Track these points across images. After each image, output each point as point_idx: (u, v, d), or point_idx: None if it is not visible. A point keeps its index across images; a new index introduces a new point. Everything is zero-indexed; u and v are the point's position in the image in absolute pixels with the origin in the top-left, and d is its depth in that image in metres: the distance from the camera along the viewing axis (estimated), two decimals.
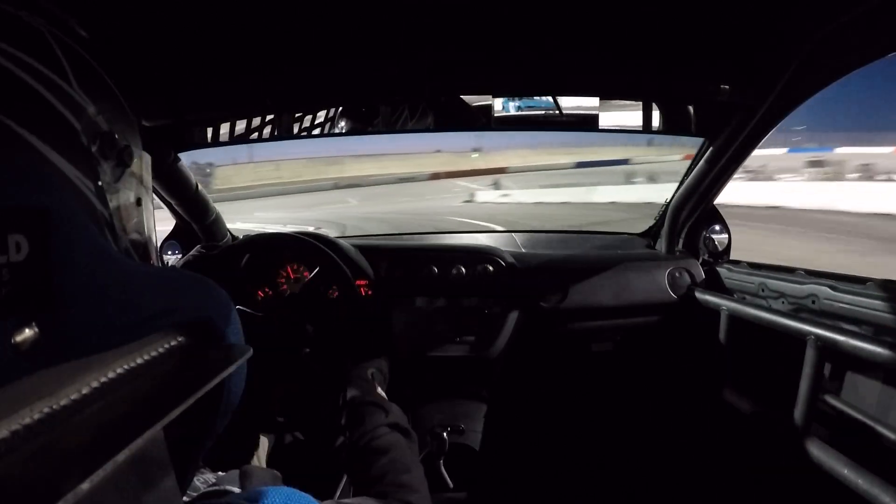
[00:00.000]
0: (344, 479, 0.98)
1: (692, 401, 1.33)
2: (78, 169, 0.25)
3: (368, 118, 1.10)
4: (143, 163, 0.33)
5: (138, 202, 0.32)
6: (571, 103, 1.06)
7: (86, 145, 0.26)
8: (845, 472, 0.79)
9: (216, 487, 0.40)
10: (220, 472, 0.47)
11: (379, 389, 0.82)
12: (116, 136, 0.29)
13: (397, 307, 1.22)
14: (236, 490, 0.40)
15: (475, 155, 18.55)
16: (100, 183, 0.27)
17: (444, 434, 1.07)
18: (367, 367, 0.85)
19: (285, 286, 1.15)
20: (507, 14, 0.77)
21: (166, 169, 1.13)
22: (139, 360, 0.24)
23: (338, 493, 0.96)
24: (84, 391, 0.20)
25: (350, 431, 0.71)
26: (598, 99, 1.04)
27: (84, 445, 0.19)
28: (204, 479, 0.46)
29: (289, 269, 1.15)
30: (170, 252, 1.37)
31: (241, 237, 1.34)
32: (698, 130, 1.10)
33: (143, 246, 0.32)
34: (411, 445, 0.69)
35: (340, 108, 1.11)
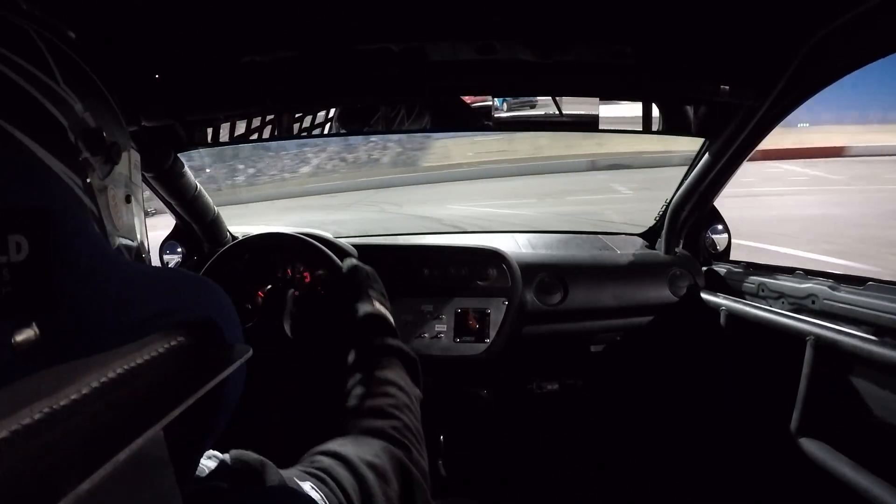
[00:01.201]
0: None
1: (692, 401, 1.33)
2: (65, 165, 0.25)
3: (367, 118, 1.10)
4: (131, 160, 0.33)
5: (127, 199, 0.32)
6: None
7: (73, 142, 0.26)
8: (845, 472, 0.79)
9: (211, 483, 0.40)
10: (215, 454, 0.47)
11: (377, 304, 0.76)
12: (104, 134, 0.29)
13: (397, 307, 1.22)
14: (223, 485, 0.40)
15: (804, 124, 12.29)
16: (88, 180, 0.27)
17: (444, 435, 1.07)
18: (366, 287, 0.80)
19: (285, 286, 1.15)
20: (507, 14, 0.77)
21: (166, 169, 1.13)
22: (139, 361, 0.24)
23: None
24: (84, 391, 0.20)
25: (352, 351, 0.67)
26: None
27: (84, 445, 0.19)
28: (200, 468, 0.45)
29: (288, 270, 1.15)
30: (170, 252, 1.37)
31: (241, 237, 1.34)
32: (698, 130, 1.10)
33: (134, 244, 0.32)
34: (410, 370, 0.66)
35: (340, 109, 1.11)
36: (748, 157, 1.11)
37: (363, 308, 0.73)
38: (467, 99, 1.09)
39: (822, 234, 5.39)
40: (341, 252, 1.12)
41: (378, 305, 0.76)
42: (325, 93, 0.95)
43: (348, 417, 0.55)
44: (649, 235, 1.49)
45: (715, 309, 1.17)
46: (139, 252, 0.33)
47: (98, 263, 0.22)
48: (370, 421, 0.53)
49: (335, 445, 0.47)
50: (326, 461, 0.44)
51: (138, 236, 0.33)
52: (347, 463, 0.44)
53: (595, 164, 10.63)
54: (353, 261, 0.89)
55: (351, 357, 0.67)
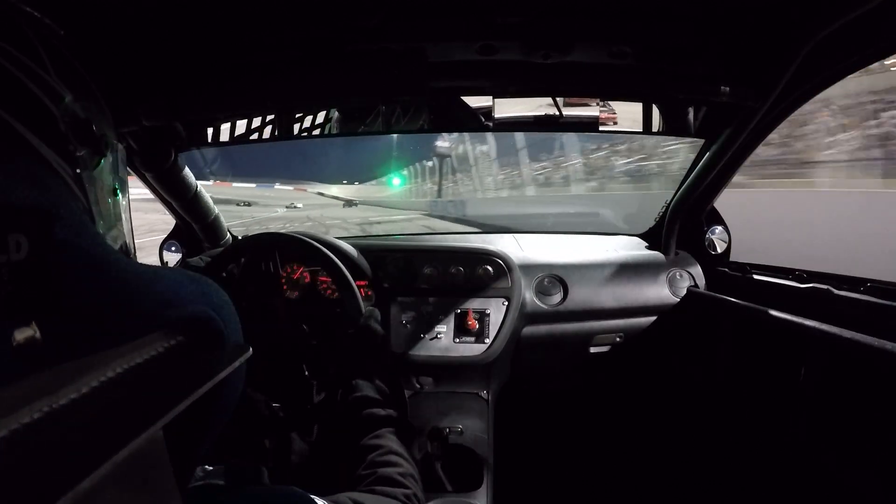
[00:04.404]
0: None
1: (692, 401, 1.33)
2: (57, 154, 0.25)
3: (366, 118, 1.10)
4: (118, 155, 0.33)
5: (114, 192, 0.32)
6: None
7: (63, 132, 0.27)
8: (845, 471, 0.79)
9: (204, 482, 0.39)
10: (206, 467, 0.47)
11: (377, 380, 0.81)
12: (94, 126, 0.29)
13: (397, 307, 1.22)
14: (221, 483, 0.40)
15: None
16: (77, 170, 0.27)
17: (444, 435, 1.07)
18: (373, 357, 0.85)
19: (285, 286, 1.15)
20: (507, 14, 0.77)
21: (166, 169, 1.13)
22: (138, 360, 0.24)
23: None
24: (83, 390, 0.20)
25: (349, 432, 0.70)
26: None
27: (83, 444, 0.19)
28: (197, 473, 0.45)
29: (288, 270, 1.15)
30: (171, 250, 1.37)
31: (241, 237, 1.34)
32: (698, 131, 1.10)
33: (121, 237, 0.32)
34: (406, 439, 0.69)
35: (340, 109, 1.11)
36: (744, 159, 1.11)
37: (364, 385, 0.77)
38: None
39: None
40: (340, 252, 1.11)
41: (378, 382, 0.80)
42: (326, 93, 0.95)
43: (361, 484, 0.58)
44: (649, 236, 1.49)
45: (715, 309, 1.16)
46: (126, 246, 0.33)
47: (98, 263, 0.22)
48: (384, 488, 0.56)
49: (354, 494, 0.50)
50: (343, 498, 0.46)
51: (124, 229, 0.33)
52: None
53: None
54: (372, 315, 0.91)
55: (351, 425, 0.70)
